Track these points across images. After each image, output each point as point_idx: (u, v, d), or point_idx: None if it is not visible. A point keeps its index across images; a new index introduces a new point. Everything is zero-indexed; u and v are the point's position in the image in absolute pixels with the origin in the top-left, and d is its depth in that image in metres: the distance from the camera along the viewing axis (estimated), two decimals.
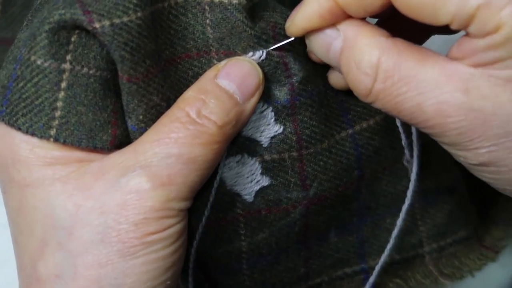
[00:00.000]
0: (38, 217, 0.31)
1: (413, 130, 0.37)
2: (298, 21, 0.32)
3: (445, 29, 0.30)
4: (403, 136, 0.37)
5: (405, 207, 0.38)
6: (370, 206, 0.39)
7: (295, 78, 0.35)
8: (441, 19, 0.28)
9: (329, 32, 0.32)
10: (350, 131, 0.37)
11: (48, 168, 0.31)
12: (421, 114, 0.29)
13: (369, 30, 0.31)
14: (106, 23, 0.30)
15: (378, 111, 0.37)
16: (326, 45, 0.32)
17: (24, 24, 0.33)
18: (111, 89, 0.32)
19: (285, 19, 0.34)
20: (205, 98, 0.32)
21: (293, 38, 0.34)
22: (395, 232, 0.39)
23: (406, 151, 0.38)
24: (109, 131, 0.32)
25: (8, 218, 0.33)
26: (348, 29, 0.31)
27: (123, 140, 0.33)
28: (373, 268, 0.40)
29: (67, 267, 0.30)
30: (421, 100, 0.29)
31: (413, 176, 0.37)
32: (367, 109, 0.37)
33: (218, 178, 0.35)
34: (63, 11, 0.31)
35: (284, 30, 0.34)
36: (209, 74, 0.33)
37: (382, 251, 0.40)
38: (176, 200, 0.31)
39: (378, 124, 0.37)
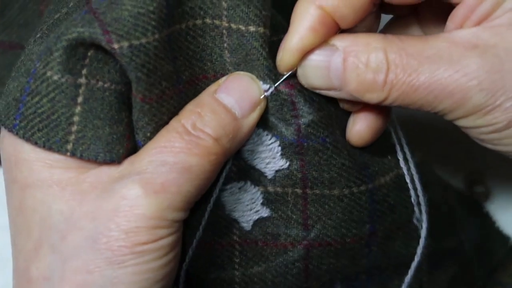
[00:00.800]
0: (36, 219, 0.31)
1: (417, 184, 0.36)
2: (291, 43, 0.32)
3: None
4: (412, 193, 0.37)
5: (413, 265, 0.38)
6: (380, 266, 0.38)
7: (302, 120, 0.34)
8: None
9: (324, 51, 0.32)
10: (370, 185, 0.36)
11: (48, 170, 0.31)
12: (437, 84, 0.30)
13: (364, 34, 0.32)
14: (125, 44, 0.30)
15: (393, 167, 0.37)
16: (324, 65, 0.32)
17: (38, 36, 0.33)
18: (125, 102, 0.32)
19: None
20: (201, 111, 0.32)
21: (294, 70, 0.33)
22: None
23: (416, 209, 0.37)
24: (125, 144, 0.32)
25: (9, 217, 0.33)
26: (343, 40, 0.32)
27: (132, 153, 0.33)
28: None
29: (56, 270, 0.30)
30: (434, 69, 0.30)
31: (423, 232, 0.37)
32: (384, 164, 0.37)
33: (214, 196, 0.35)
34: (82, 29, 0.30)
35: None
36: (210, 88, 0.33)
37: None
38: (169, 210, 0.30)
39: (392, 181, 0.37)
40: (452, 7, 0.32)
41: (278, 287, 0.37)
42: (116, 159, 0.32)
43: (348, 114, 0.36)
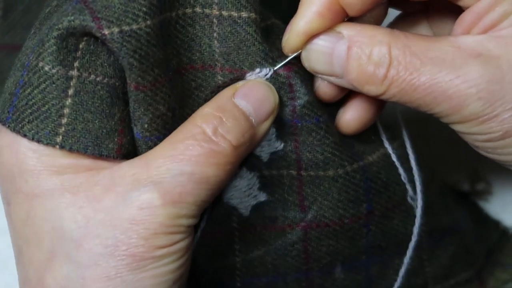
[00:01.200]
0: (46, 228, 0.31)
1: (413, 164, 0.37)
2: (298, 26, 0.32)
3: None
4: (401, 170, 0.37)
5: (411, 245, 0.38)
6: (380, 245, 0.39)
7: (298, 101, 0.34)
8: None
9: (329, 37, 0.32)
10: (361, 163, 0.36)
11: (56, 178, 0.31)
12: (436, 87, 0.30)
13: (371, 26, 0.32)
14: (115, 30, 0.30)
15: (378, 146, 0.37)
16: (328, 50, 0.32)
17: (32, 32, 0.33)
18: (120, 97, 0.32)
19: None
20: (223, 116, 0.32)
21: (299, 52, 0.34)
22: (402, 271, 0.39)
23: (408, 187, 0.38)
24: (115, 139, 0.32)
25: (12, 228, 0.33)
26: (350, 29, 0.32)
27: (130, 149, 0.33)
28: None
29: (75, 279, 0.30)
30: (435, 71, 0.30)
31: (418, 211, 0.37)
32: (369, 144, 0.37)
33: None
34: (72, 17, 0.30)
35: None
36: (227, 92, 0.33)
37: None
38: (185, 218, 0.31)
39: (380, 159, 0.37)
40: (461, 10, 0.32)
41: (279, 270, 0.37)
42: (106, 153, 0.31)
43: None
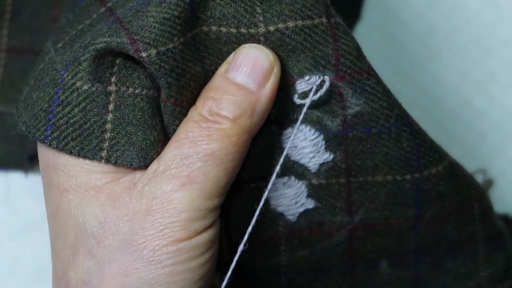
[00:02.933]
0: (71, 223, 0.31)
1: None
2: None
3: None
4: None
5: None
6: (430, 247, 0.39)
7: (349, 111, 0.34)
8: None
9: None
10: (416, 175, 0.36)
11: (86, 175, 0.31)
12: None
13: None
14: (153, 52, 0.30)
15: (447, 156, 0.37)
16: None
17: (59, 45, 0.33)
18: (159, 107, 0.32)
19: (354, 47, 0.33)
20: (214, 95, 0.32)
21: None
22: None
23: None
24: (159, 149, 0.32)
25: (48, 222, 0.33)
26: None
27: None
28: None
29: (95, 274, 0.31)
30: None
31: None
32: (439, 154, 0.37)
33: (263, 200, 0.34)
34: (109, 39, 0.31)
35: (350, 58, 0.33)
36: (220, 70, 0.33)
37: None
38: (200, 199, 0.30)
39: (445, 170, 0.37)
40: None
41: (323, 266, 0.38)
42: (150, 164, 0.32)
43: None
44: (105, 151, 0.31)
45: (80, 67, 0.31)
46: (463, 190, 0.38)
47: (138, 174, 0.32)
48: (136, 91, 0.32)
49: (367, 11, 0.48)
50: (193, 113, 0.32)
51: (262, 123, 0.33)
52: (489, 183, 0.49)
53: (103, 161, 0.31)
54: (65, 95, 0.31)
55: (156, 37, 0.30)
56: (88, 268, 0.31)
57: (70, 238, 0.31)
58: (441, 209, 0.37)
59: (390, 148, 0.35)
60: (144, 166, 0.32)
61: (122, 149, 0.31)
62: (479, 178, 0.49)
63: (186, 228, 0.30)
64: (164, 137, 0.32)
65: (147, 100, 0.32)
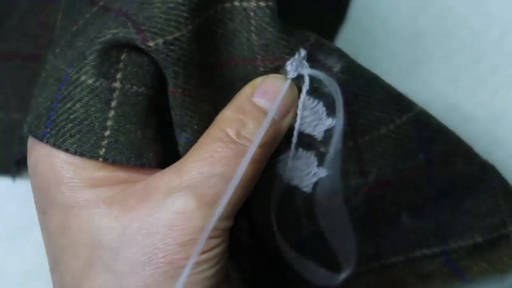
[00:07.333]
0: (82, 238, 0.31)
1: None
2: None
3: None
4: None
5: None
6: (446, 190, 0.39)
7: (335, 70, 0.35)
8: None
9: None
10: (410, 114, 0.37)
11: (92, 190, 0.31)
12: None
13: None
14: (160, 41, 0.30)
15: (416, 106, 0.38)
16: None
17: (57, 50, 0.33)
18: (154, 107, 0.33)
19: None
20: (243, 118, 0.32)
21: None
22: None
23: None
24: (154, 147, 0.32)
25: (47, 237, 0.33)
26: None
27: (161, 157, 0.33)
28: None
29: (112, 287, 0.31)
30: None
31: None
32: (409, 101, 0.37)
33: (277, 180, 0.36)
34: (116, 31, 0.31)
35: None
36: (245, 92, 0.33)
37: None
38: (221, 220, 0.31)
39: (421, 113, 0.37)
40: None
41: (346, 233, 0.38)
42: (147, 163, 0.32)
43: None
44: (104, 149, 0.31)
45: (86, 61, 0.31)
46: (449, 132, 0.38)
47: (150, 184, 0.31)
48: (140, 90, 0.32)
49: (353, 15, 0.49)
50: (220, 133, 0.32)
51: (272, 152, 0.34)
52: None
53: (101, 159, 0.31)
54: (68, 90, 0.31)
55: (163, 27, 0.30)
56: (105, 281, 0.30)
57: (82, 253, 0.31)
58: (446, 147, 0.38)
59: (380, 93, 0.36)
60: (140, 164, 0.32)
61: (121, 147, 0.31)
62: None
63: (206, 244, 0.30)
64: (157, 136, 0.33)
65: (147, 98, 0.32)
